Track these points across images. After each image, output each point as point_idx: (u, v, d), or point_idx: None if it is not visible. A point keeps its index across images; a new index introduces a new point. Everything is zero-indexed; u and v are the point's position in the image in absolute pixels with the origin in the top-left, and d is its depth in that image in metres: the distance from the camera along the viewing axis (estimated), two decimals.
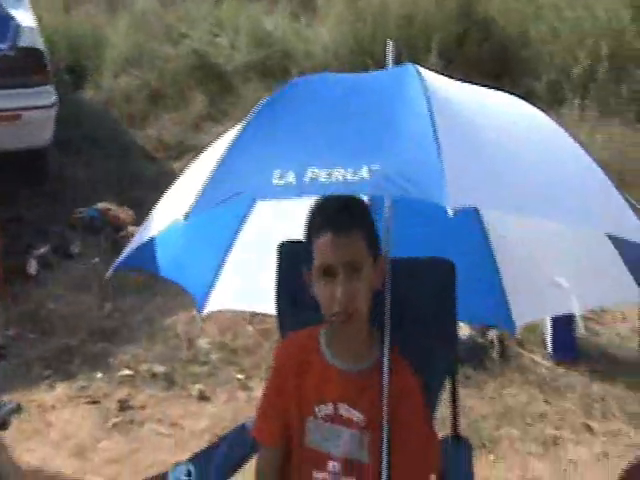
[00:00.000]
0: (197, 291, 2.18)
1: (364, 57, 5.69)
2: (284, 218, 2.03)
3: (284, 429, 1.77)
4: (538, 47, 5.99)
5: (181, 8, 7.25)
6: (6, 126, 4.61)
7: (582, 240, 1.89)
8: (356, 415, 1.71)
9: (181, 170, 1.86)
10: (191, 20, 6.93)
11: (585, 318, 3.67)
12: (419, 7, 6.16)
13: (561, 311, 2.56)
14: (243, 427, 2.00)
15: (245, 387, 3.49)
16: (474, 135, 1.57)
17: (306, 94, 1.76)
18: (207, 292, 2.17)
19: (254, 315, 3.91)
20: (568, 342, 3.49)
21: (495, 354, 3.49)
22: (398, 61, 1.88)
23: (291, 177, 1.41)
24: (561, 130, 1.79)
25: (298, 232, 1.79)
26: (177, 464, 1.77)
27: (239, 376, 3.56)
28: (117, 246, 4.24)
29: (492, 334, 3.55)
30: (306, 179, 1.39)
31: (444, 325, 1.90)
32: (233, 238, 2.12)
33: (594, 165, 1.71)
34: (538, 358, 3.53)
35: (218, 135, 1.86)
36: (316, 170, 1.40)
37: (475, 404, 3.20)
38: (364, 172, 1.37)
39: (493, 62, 5.87)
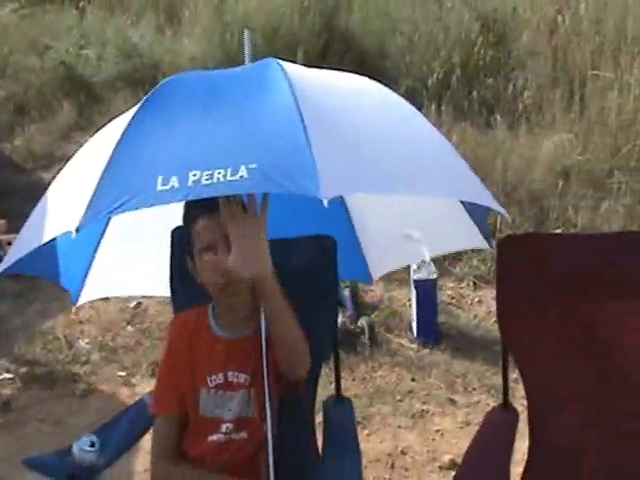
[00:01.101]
0: (72, 284, 2.20)
1: (233, 67, 5.82)
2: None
3: (180, 399, 1.88)
4: (396, 59, 6.33)
5: (43, 20, 7.18)
6: None
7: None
8: (243, 378, 1.86)
9: (51, 180, 1.86)
10: (56, 33, 6.88)
11: (446, 303, 3.97)
12: (283, 20, 6.39)
13: (414, 260, 2.76)
14: (142, 401, 2.11)
15: (128, 384, 3.56)
16: (338, 122, 1.65)
17: (175, 97, 1.76)
18: (81, 283, 2.20)
19: (134, 315, 4.00)
20: (431, 326, 3.75)
21: (365, 339, 3.72)
22: None
23: (174, 181, 1.43)
24: (412, 109, 1.93)
25: (171, 219, 1.95)
26: (81, 436, 1.84)
27: (121, 373, 3.63)
28: None
29: (362, 321, 3.78)
30: (189, 182, 1.42)
31: (327, 296, 2.08)
32: (104, 230, 2.14)
33: (444, 140, 1.91)
34: (405, 342, 3.77)
35: None
36: (197, 172, 1.42)
37: (348, 385, 3.39)
38: (243, 171, 1.41)
39: (355, 73, 6.15)
